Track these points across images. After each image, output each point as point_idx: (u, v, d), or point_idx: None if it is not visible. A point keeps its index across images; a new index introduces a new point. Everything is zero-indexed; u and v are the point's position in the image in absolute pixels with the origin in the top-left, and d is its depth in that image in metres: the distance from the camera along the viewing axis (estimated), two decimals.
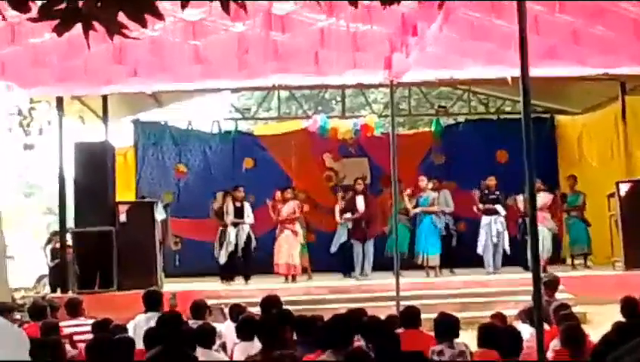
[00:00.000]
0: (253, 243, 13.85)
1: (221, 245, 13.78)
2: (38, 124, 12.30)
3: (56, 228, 13.85)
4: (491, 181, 14.01)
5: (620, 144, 14.43)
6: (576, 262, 14.41)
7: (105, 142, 13.71)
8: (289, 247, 13.66)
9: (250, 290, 11.91)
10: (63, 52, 9.27)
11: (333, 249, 14.12)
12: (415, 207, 14.09)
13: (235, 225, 13.65)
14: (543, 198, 13.90)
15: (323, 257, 14.37)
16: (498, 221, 13.80)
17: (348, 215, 13.83)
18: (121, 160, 15.49)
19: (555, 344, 6.17)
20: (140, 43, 8.89)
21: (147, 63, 9.84)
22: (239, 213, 13.68)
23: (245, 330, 6.58)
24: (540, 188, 13.91)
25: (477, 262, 13.83)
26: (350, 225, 13.88)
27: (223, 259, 13.77)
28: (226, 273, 13.67)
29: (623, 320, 6.10)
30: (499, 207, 13.85)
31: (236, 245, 13.62)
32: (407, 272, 13.78)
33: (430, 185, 14.18)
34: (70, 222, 12.82)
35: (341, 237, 14.04)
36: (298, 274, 13.71)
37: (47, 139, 12.81)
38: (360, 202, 13.83)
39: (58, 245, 13.53)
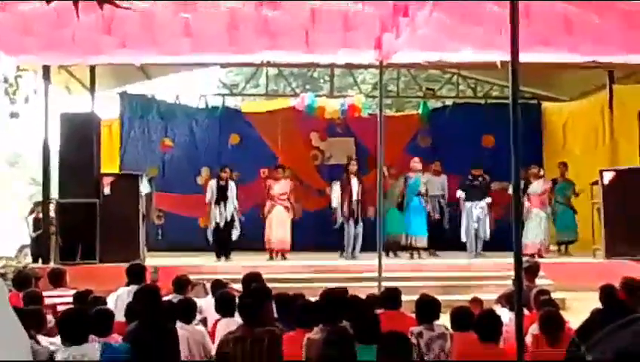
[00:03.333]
0: (236, 222, 13.77)
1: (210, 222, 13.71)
2: (24, 92, 12.20)
3: (40, 198, 13.78)
4: (477, 171, 14.03)
5: (605, 132, 14.50)
6: (561, 249, 14.54)
7: (91, 113, 13.63)
8: (282, 223, 13.65)
9: (233, 266, 11.90)
10: (51, 21, 9.19)
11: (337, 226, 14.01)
12: (404, 187, 14.05)
13: (218, 203, 13.58)
14: (543, 185, 14.00)
15: (307, 236, 14.40)
16: (478, 206, 13.85)
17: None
18: (107, 131, 15.41)
19: (533, 328, 6.23)
20: (130, 14, 8.82)
21: (136, 35, 9.77)
22: (223, 192, 13.61)
23: (225, 306, 6.61)
24: (538, 174, 14.02)
25: (463, 245, 13.91)
26: (345, 207, 13.72)
27: (210, 236, 13.71)
28: (216, 250, 13.60)
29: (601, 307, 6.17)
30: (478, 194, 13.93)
31: (217, 223, 13.54)
32: (404, 254, 13.87)
33: (419, 166, 14.19)
34: (54, 193, 12.75)
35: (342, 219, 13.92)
36: (286, 251, 13.69)
37: (33, 108, 12.71)
38: (354, 183, 13.76)
39: (41, 215, 13.49)
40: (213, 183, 13.68)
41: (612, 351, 0.94)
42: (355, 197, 13.63)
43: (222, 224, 13.50)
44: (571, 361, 0.92)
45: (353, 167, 13.89)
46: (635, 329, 0.95)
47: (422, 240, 13.85)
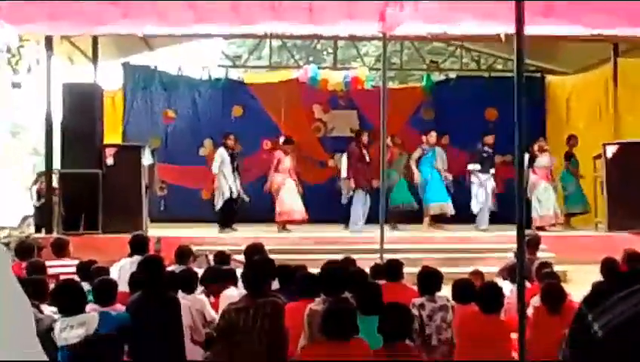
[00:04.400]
0: (242, 193, 13.77)
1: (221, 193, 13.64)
2: (26, 62, 12.17)
3: (43, 168, 13.80)
4: (489, 140, 13.96)
5: (608, 106, 14.46)
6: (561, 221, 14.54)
7: (94, 83, 13.61)
8: (296, 195, 13.62)
9: (236, 238, 11.92)
10: None
11: (344, 200, 14.01)
12: (419, 159, 14.05)
13: (232, 172, 13.53)
14: (549, 160, 13.97)
15: (309, 209, 14.41)
16: (490, 179, 13.86)
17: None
18: (109, 102, 15.39)
19: (535, 300, 6.27)
20: None
21: (139, 6, 9.73)
22: (233, 160, 13.57)
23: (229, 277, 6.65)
24: (543, 148, 13.99)
25: (465, 218, 13.88)
26: (361, 177, 13.69)
27: (220, 207, 13.66)
28: (225, 220, 13.58)
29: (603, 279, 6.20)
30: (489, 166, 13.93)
31: (231, 193, 13.52)
32: (413, 226, 13.87)
33: (434, 140, 14.19)
34: (57, 164, 12.76)
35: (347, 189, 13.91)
36: (305, 220, 13.63)
37: (35, 78, 12.69)
38: (365, 153, 13.73)
39: (44, 186, 13.51)
40: (223, 151, 13.57)
41: (617, 320, 0.95)
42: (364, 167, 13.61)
43: (234, 194, 13.47)
44: (577, 331, 0.92)
45: (365, 137, 13.81)
46: (635, 301, 0.95)
47: (451, 208, 13.88)
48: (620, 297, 0.95)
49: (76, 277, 6.89)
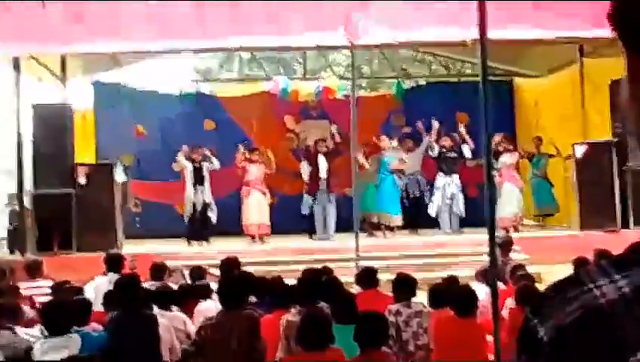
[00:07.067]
0: (212, 205, 13.82)
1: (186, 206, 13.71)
2: None
3: (14, 190, 13.67)
4: (446, 141, 14.06)
5: (576, 107, 14.61)
6: (534, 222, 14.67)
7: (63, 104, 13.52)
8: (259, 207, 13.64)
9: (211, 252, 11.91)
10: (20, 10, 9.10)
11: (305, 211, 14.06)
12: (378, 165, 14.04)
13: (194, 186, 13.59)
14: (511, 158, 14.10)
15: (284, 219, 14.41)
16: (453, 183, 13.92)
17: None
18: (80, 121, 15.27)
19: (510, 302, 6.32)
20: (96, 2, 8.77)
21: (105, 23, 9.70)
22: (198, 173, 13.62)
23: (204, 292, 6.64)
24: (506, 148, 14.13)
25: (438, 223, 14.00)
26: (312, 186, 13.81)
27: (186, 221, 13.74)
28: (191, 234, 13.62)
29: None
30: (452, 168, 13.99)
31: (195, 206, 13.57)
32: (379, 233, 13.92)
33: (395, 144, 14.22)
34: (28, 185, 12.66)
35: (309, 199, 14.01)
36: (268, 235, 13.71)
37: (4, 99, 12.60)
38: (322, 162, 13.79)
39: (16, 207, 13.39)
40: (187, 164, 13.68)
41: (562, 324, 0.97)
42: (323, 176, 13.66)
43: (199, 207, 13.50)
44: (523, 336, 0.93)
45: (322, 147, 13.88)
46: (580, 303, 0.97)
47: (396, 220, 13.88)
48: (565, 300, 0.97)
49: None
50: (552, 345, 0.96)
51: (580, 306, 0.95)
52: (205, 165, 13.74)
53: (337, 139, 13.84)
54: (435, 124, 14.06)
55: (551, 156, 14.44)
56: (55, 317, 5.27)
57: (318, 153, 13.81)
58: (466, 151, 14.05)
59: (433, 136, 14.04)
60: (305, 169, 14.03)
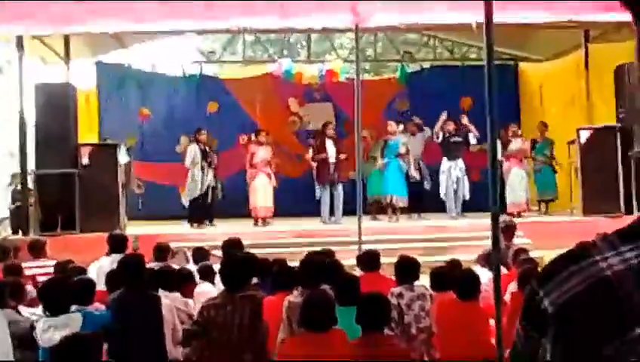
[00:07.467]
0: (219, 187, 13.86)
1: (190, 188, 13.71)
2: None
3: (17, 170, 13.68)
4: (450, 125, 14.03)
5: (581, 92, 14.56)
6: (542, 208, 14.66)
7: (67, 83, 13.51)
8: (265, 190, 13.65)
9: (214, 234, 11.92)
10: None
11: (318, 194, 14.05)
12: (384, 149, 14.03)
13: (202, 168, 13.58)
14: (521, 143, 14.10)
15: (286, 202, 14.42)
16: (457, 167, 13.90)
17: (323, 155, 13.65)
18: (84, 102, 15.27)
19: (512, 286, 6.34)
20: None
21: (109, 3, 9.65)
22: (204, 156, 13.62)
23: (207, 273, 6.64)
24: (517, 133, 14.14)
25: (442, 207, 13.99)
26: (315, 171, 13.85)
27: (187, 203, 13.75)
28: (194, 216, 13.65)
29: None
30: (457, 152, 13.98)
31: (202, 188, 13.58)
32: (384, 217, 13.94)
33: (401, 128, 14.21)
34: (32, 165, 12.67)
35: (317, 184, 13.98)
36: (271, 217, 13.71)
37: (7, 79, 12.59)
38: (330, 146, 13.76)
39: (19, 187, 13.40)
40: (195, 147, 13.65)
41: (567, 296, 0.96)
42: (332, 161, 13.65)
43: (204, 189, 13.52)
44: (528, 308, 0.93)
45: (330, 130, 13.85)
46: (586, 275, 0.96)
47: (403, 200, 13.89)
48: (571, 272, 0.97)
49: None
50: (558, 317, 0.95)
51: (585, 278, 0.95)
52: (213, 148, 13.74)
53: (330, 133, 13.79)
54: (443, 116, 13.99)
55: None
56: (53, 297, 5.28)
57: (326, 137, 13.75)
58: (472, 138, 14.00)
59: (439, 125, 13.98)
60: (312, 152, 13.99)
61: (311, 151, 13.98)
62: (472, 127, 13.82)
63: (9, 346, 5.04)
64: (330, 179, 13.59)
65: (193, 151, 13.60)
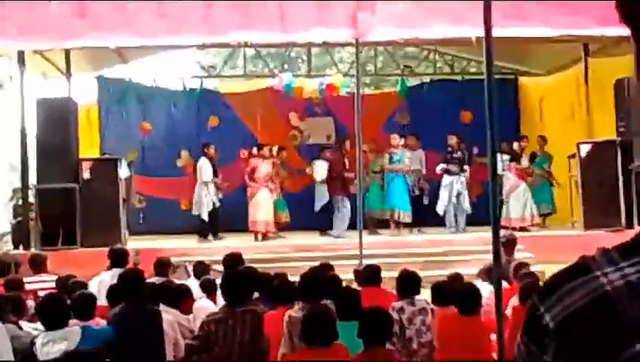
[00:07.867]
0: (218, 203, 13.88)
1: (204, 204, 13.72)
2: None
3: (18, 184, 13.70)
4: (452, 140, 14.05)
5: (581, 106, 14.59)
6: (538, 221, 14.66)
7: (68, 98, 13.54)
8: (267, 205, 13.64)
9: (214, 248, 11.91)
10: (24, 5, 9.10)
11: (317, 208, 14.06)
12: (389, 163, 14.06)
13: (214, 182, 13.66)
14: (524, 160, 14.14)
15: (290, 216, 14.41)
16: (459, 181, 13.91)
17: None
18: (85, 116, 15.31)
19: (514, 301, 6.31)
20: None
21: (109, 18, 9.70)
22: (214, 170, 13.70)
23: (209, 287, 6.63)
24: (523, 149, 14.22)
25: (442, 221, 13.99)
26: (339, 184, 13.76)
27: (205, 216, 13.71)
28: (208, 229, 13.66)
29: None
30: (458, 168, 13.97)
31: (215, 202, 13.65)
32: (384, 231, 13.93)
33: (402, 142, 14.24)
34: (33, 179, 12.68)
35: (323, 196, 13.99)
36: (273, 232, 13.70)
37: (9, 94, 12.62)
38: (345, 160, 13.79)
39: (20, 202, 13.42)
40: (206, 161, 13.69)
41: (568, 311, 0.96)
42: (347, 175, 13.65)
43: (217, 203, 13.57)
44: (529, 324, 0.93)
45: (348, 145, 13.75)
46: (587, 290, 0.97)
47: (408, 215, 13.91)
48: (572, 288, 0.97)
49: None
50: (559, 333, 0.96)
51: (586, 293, 0.95)
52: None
53: (348, 147, 13.78)
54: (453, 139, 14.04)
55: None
56: (50, 312, 5.28)
57: (346, 152, 13.74)
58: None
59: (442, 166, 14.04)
60: (317, 166, 13.98)
61: (327, 164, 13.90)
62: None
63: (11, 359, 5.03)
64: (347, 192, 13.57)
65: (205, 166, 13.65)
